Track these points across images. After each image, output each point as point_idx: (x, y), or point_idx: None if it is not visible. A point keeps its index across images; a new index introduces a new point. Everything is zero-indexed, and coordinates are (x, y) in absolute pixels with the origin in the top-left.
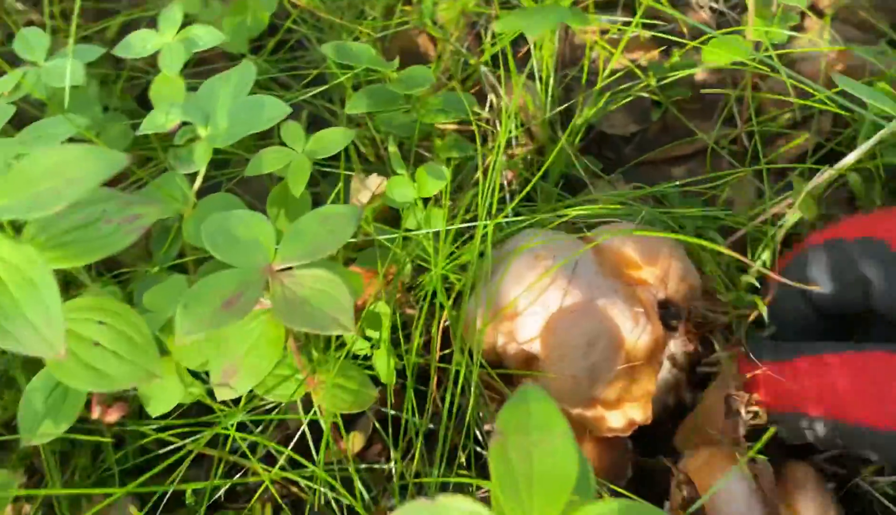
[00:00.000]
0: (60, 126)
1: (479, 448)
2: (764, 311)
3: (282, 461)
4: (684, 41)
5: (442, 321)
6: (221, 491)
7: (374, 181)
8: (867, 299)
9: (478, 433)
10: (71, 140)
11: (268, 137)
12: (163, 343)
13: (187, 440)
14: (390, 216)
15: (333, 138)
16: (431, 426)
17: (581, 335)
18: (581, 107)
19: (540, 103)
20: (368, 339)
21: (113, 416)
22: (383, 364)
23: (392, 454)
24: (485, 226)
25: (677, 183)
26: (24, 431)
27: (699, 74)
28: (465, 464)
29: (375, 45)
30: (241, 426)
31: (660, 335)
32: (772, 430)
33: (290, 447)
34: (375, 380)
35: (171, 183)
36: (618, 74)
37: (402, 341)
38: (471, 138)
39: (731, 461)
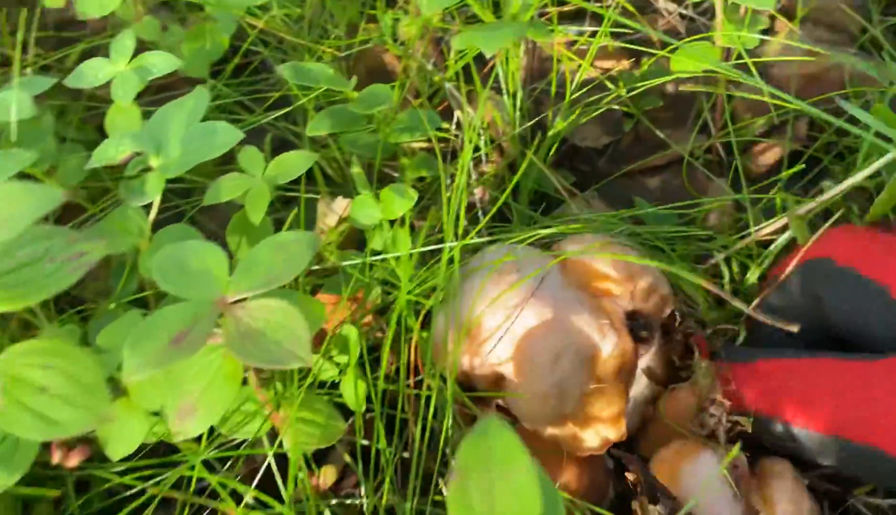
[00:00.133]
0: (8, 161)
1: None
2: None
3: (248, 498)
4: (654, 51)
5: (412, 345)
6: None
7: (341, 204)
8: (825, 317)
9: (453, 460)
10: (22, 175)
11: (232, 162)
12: (121, 383)
13: (149, 483)
14: (359, 239)
15: (294, 162)
16: (406, 454)
17: (546, 350)
18: (551, 120)
19: (509, 118)
20: (337, 364)
21: (74, 460)
22: (351, 391)
23: (363, 488)
24: (451, 249)
25: (656, 208)
26: None
27: (671, 82)
28: (441, 490)
29: (340, 64)
30: (209, 463)
31: (628, 347)
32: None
33: (255, 485)
34: (347, 409)
35: (126, 216)
36: (588, 86)
37: (369, 367)
38: (443, 155)
39: (701, 448)
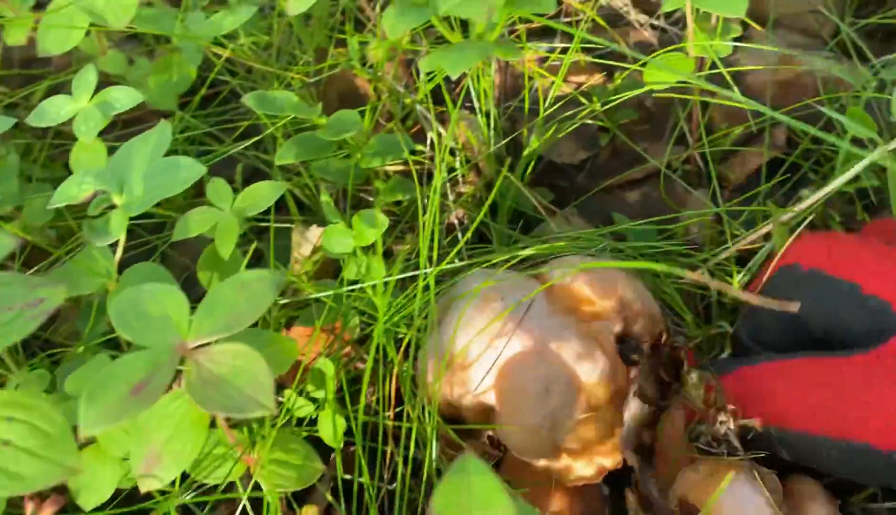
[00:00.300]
0: None
1: None
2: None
3: None
4: (626, 65)
5: (393, 376)
6: None
7: (315, 233)
8: (803, 323)
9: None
10: None
11: (203, 194)
12: None
13: None
14: (336, 267)
15: (264, 193)
16: (391, 487)
17: (535, 380)
18: (527, 138)
19: (483, 137)
20: (314, 400)
21: (48, 511)
22: (329, 428)
23: None
24: (426, 276)
25: (637, 222)
26: None
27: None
28: None
29: (310, 89)
30: (188, 508)
31: (619, 372)
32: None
33: None
34: (327, 447)
35: (92, 257)
36: (562, 102)
37: (349, 400)
38: (419, 177)
39: (734, 470)
